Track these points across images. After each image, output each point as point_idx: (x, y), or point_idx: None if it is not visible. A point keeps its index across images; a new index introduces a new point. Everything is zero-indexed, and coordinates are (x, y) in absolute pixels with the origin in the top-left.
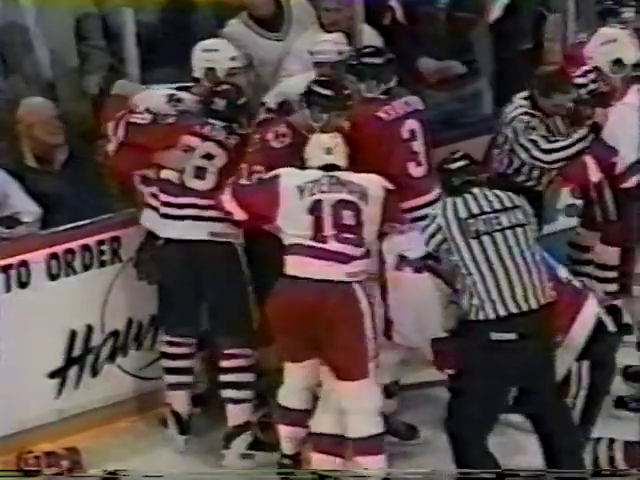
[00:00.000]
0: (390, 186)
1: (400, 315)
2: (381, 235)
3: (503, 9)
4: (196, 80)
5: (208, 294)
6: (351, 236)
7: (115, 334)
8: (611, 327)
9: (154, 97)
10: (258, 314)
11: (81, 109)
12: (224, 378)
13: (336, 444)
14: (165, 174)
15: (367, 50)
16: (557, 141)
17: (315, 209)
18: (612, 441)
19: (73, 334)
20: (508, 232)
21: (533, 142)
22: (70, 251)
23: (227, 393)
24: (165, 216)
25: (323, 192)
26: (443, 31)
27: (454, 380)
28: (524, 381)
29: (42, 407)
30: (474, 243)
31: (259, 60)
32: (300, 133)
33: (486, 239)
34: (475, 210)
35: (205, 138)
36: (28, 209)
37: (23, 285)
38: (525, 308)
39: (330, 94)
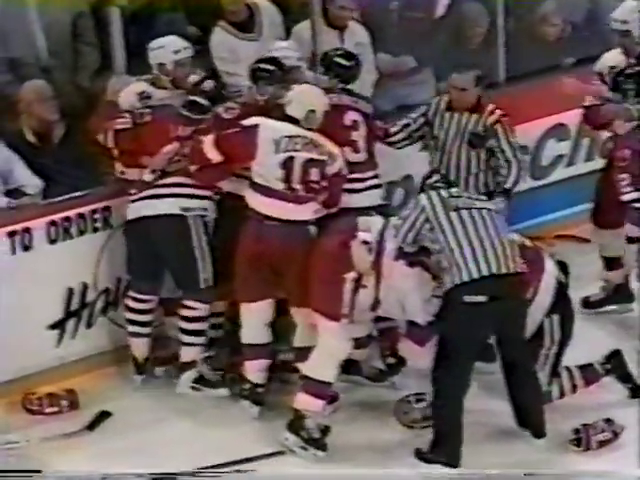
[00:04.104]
0: (345, 170)
1: (387, 298)
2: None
3: (446, 7)
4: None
5: (168, 260)
6: (316, 187)
7: (107, 291)
8: (564, 280)
9: (128, 96)
10: (211, 273)
11: (75, 93)
12: (180, 324)
13: (324, 389)
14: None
15: (340, 52)
16: None
17: (287, 165)
18: (569, 371)
19: (70, 291)
20: (484, 211)
21: None
22: (67, 219)
23: (182, 337)
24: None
25: (297, 151)
26: (396, 29)
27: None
28: (497, 338)
29: (44, 354)
30: (454, 215)
31: (236, 57)
32: (248, 105)
33: (464, 213)
34: (454, 193)
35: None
36: (31, 182)
37: (26, 249)
38: (495, 272)
39: (274, 69)
